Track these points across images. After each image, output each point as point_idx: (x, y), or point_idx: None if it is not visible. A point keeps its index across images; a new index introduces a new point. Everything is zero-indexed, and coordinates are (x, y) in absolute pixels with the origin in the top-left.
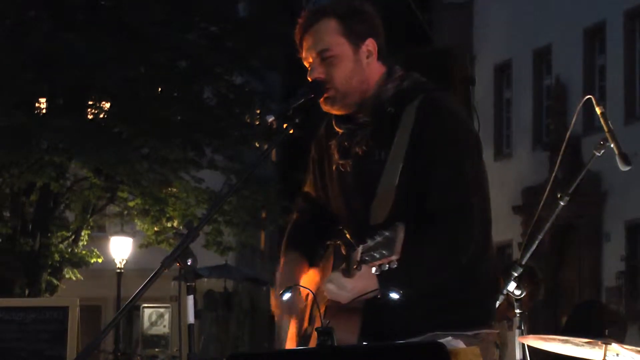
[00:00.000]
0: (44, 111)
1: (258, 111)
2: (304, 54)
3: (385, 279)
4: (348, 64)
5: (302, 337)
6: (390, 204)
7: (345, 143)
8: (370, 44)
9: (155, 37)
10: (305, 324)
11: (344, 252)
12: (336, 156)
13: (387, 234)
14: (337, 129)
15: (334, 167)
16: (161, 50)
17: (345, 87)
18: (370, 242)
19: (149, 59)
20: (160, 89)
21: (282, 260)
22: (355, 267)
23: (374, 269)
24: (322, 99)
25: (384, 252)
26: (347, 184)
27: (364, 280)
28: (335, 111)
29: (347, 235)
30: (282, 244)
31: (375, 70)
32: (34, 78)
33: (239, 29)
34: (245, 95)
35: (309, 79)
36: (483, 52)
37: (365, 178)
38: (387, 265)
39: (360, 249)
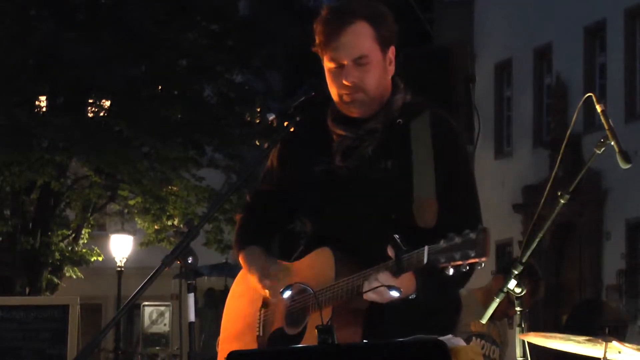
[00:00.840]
0: (44, 110)
1: (258, 110)
2: (331, 54)
3: (423, 281)
4: (378, 70)
5: (273, 336)
6: (434, 208)
7: (350, 147)
8: (391, 53)
9: (155, 36)
10: (279, 324)
11: (391, 254)
12: (337, 158)
13: (471, 235)
14: (339, 132)
15: (320, 167)
16: (162, 49)
17: (374, 92)
18: (444, 243)
19: (150, 57)
20: (160, 88)
21: (242, 254)
22: (411, 267)
23: (451, 270)
24: (349, 101)
25: (470, 252)
26: (343, 185)
27: (406, 282)
28: (355, 114)
29: (396, 237)
30: (234, 244)
31: (390, 78)
32: (34, 77)
33: (239, 28)
34: (245, 93)
35: (345, 82)
36: (483, 50)
37: (371, 183)
38: (468, 267)
39: (426, 249)
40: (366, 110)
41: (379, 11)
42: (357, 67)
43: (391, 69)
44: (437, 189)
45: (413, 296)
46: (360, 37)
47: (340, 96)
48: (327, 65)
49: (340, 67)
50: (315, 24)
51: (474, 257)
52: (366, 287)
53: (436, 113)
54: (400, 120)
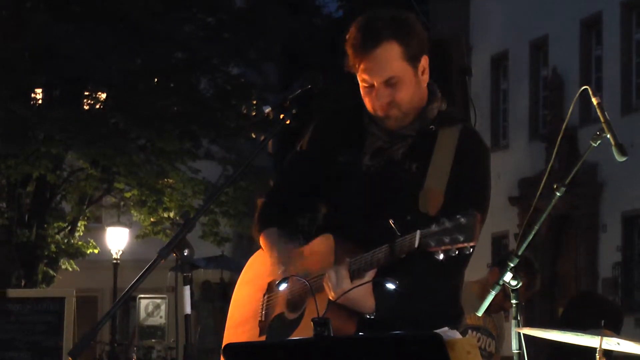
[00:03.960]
0: (40, 102)
1: (254, 102)
2: (361, 75)
3: (382, 297)
4: (410, 87)
5: (274, 322)
6: (440, 200)
7: (380, 148)
8: (424, 61)
9: (152, 29)
10: (280, 309)
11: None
12: (367, 157)
13: (461, 219)
14: (372, 131)
15: (347, 159)
16: (158, 41)
17: (408, 107)
18: (435, 227)
19: (146, 50)
20: (156, 80)
21: (262, 236)
22: (404, 252)
23: (441, 255)
24: (383, 116)
25: (459, 237)
26: (365, 180)
27: (360, 292)
28: (390, 126)
29: (392, 222)
30: (254, 226)
31: (425, 86)
32: (31, 69)
33: (236, 21)
34: (241, 86)
35: (377, 103)
36: (480, 43)
37: (394, 183)
38: (457, 251)
39: (418, 233)
40: (400, 123)
41: (406, 26)
42: (387, 87)
43: (425, 77)
44: (447, 188)
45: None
46: (389, 58)
47: (374, 110)
48: (360, 82)
49: (371, 86)
50: (345, 44)
51: (462, 242)
52: (325, 283)
53: (468, 127)
54: (432, 127)
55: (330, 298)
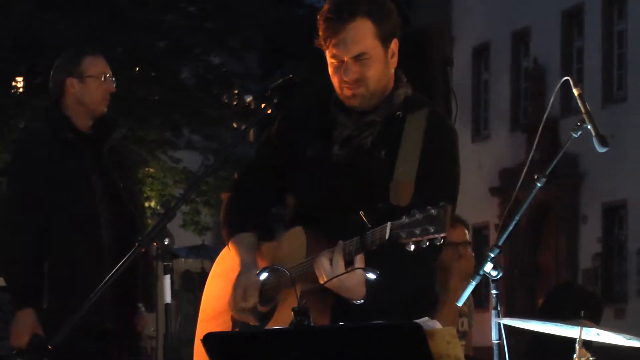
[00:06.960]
0: (21, 90)
1: (236, 92)
2: (332, 50)
3: (372, 292)
4: (380, 66)
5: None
6: (410, 190)
7: (349, 136)
8: (394, 45)
9: (134, 17)
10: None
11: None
12: (336, 147)
13: (432, 211)
14: (340, 120)
15: (316, 151)
16: (140, 30)
17: (375, 86)
18: (405, 219)
19: (128, 38)
20: (138, 69)
21: (232, 242)
22: (374, 244)
23: (411, 246)
24: (350, 95)
25: (429, 228)
26: (335, 170)
27: (355, 279)
28: (356, 106)
29: (362, 214)
30: (223, 225)
31: (392, 71)
32: (12, 58)
33: (218, 10)
34: (223, 75)
35: (345, 78)
36: (461, 33)
37: (363, 172)
38: (427, 242)
39: (388, 225)
40: (367, 103)
41: (380, 6)
42: (357, 63)
43: (393, 61)
44: (417, 176)
45: (360, 301)
46: (361, 34)
47: (341, 89)
48: (329, 59)
49: (341, 62)
50: (318, 19)
51: (433, 233)
52: (317, 267)
53: (434, 111)
54: (399, 113)
55: (321, 282)
